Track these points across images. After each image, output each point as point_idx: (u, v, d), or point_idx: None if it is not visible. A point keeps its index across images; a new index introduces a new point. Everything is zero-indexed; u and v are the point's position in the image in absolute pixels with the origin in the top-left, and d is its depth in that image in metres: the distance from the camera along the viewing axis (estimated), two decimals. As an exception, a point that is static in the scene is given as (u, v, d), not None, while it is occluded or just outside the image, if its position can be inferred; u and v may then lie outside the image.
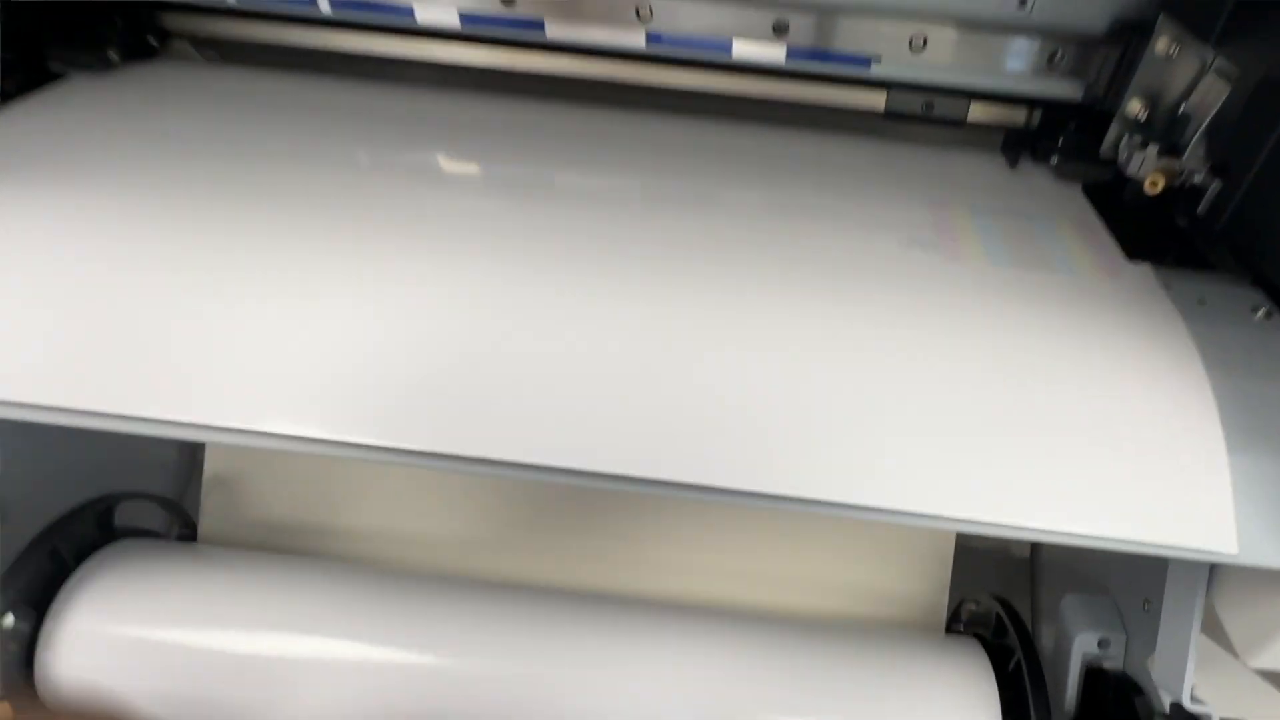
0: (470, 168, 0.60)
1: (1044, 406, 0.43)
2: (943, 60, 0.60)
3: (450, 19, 0.62)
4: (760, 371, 0.43)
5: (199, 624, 0.54)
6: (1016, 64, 0.60)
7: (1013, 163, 0.64)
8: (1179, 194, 0.55)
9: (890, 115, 0.66)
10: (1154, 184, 0.54)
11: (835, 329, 0.45)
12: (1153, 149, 0.55)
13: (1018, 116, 0.66)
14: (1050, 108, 0.64)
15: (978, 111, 0.65)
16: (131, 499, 0.62)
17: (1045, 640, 0.63)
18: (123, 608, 0.54)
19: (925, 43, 0.59)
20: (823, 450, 0.41)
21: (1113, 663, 0.55)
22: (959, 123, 0.66)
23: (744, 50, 0.61)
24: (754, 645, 0.55)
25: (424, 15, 0.62)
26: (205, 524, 0.67)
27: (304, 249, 0.47)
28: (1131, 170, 0.57)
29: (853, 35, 0.60)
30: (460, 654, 0.54)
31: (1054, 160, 0.63)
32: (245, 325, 0.43)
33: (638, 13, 0.60)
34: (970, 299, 0.48)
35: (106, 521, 0.59)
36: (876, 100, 0.66)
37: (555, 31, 0.62)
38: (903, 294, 0.48)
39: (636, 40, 0.62)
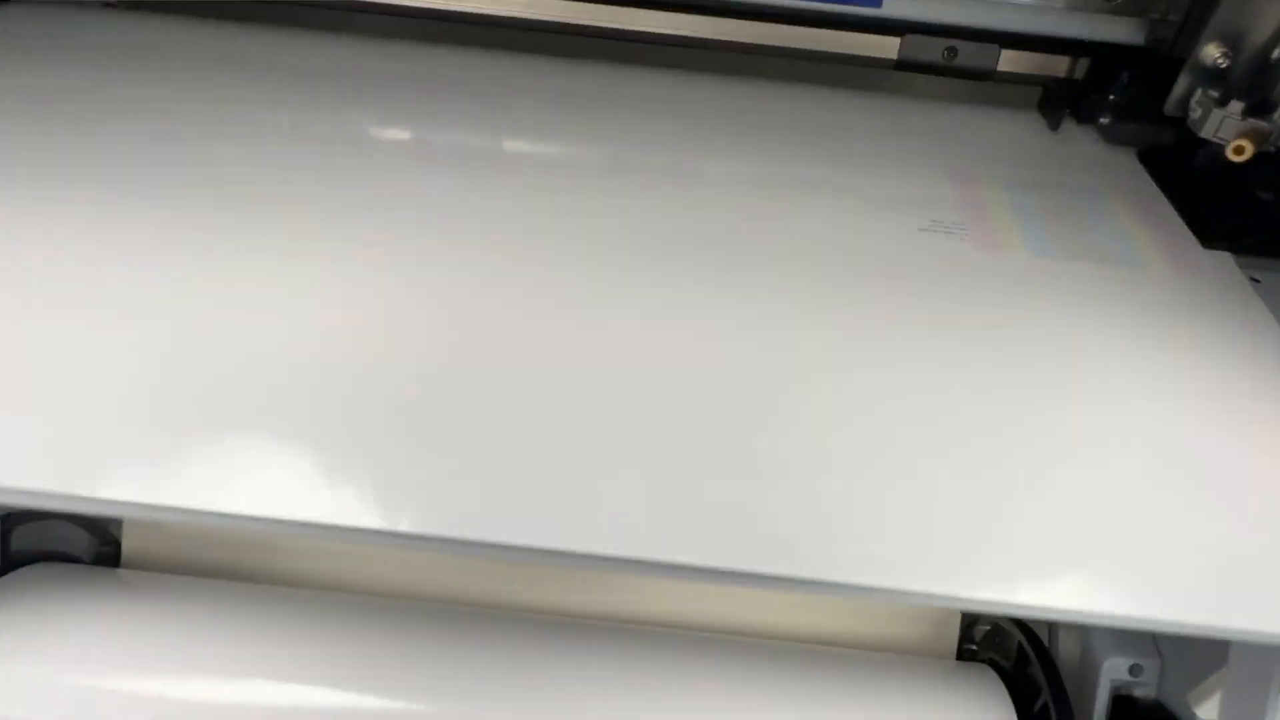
0: (404, 145, 0.48)
1: (1103, 458, 0.33)
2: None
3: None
4: (750, 427, 0.33)
5: (118, 663, 0.45)
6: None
7: (1054, 124, 0.53)
8: (1266, 161, 0.44)
9: (904, 65, 0.54)
10: (1239, 151, 0.43)
11: (838, 359, 0.35)
12: (1235, 106, 0.44)
13: (1058, 66, 0.54)
14: (1098, 55, 0.53)
15: (1010, 61, 0.54)
16: (37, 518, 0.52)
17: (1064, 655, 0.54)
18: (24, 644, 0.45)
19: (950, -29, 0.48)
20: (823, 525, 0.30)
21: (1145, 690, 0.47)
22: (988, 74, 0.54)
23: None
24: (749, 672, 0.47)
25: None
26: (130, 544, 0.57)
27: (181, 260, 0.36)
28: (1206, 132, 0.46)
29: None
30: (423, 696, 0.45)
31: (1104, 119, 0.52)
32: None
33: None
34: (1009, 306, 0.38)
35: (2, 545, 0.50)
36: (888, 47, 0.54)
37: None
38: (925, 300, 0.38)
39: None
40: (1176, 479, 0.32)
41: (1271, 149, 0.44)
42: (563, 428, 0.32)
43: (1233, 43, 0.46)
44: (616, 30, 0.55)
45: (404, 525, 0.29)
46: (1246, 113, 0.44)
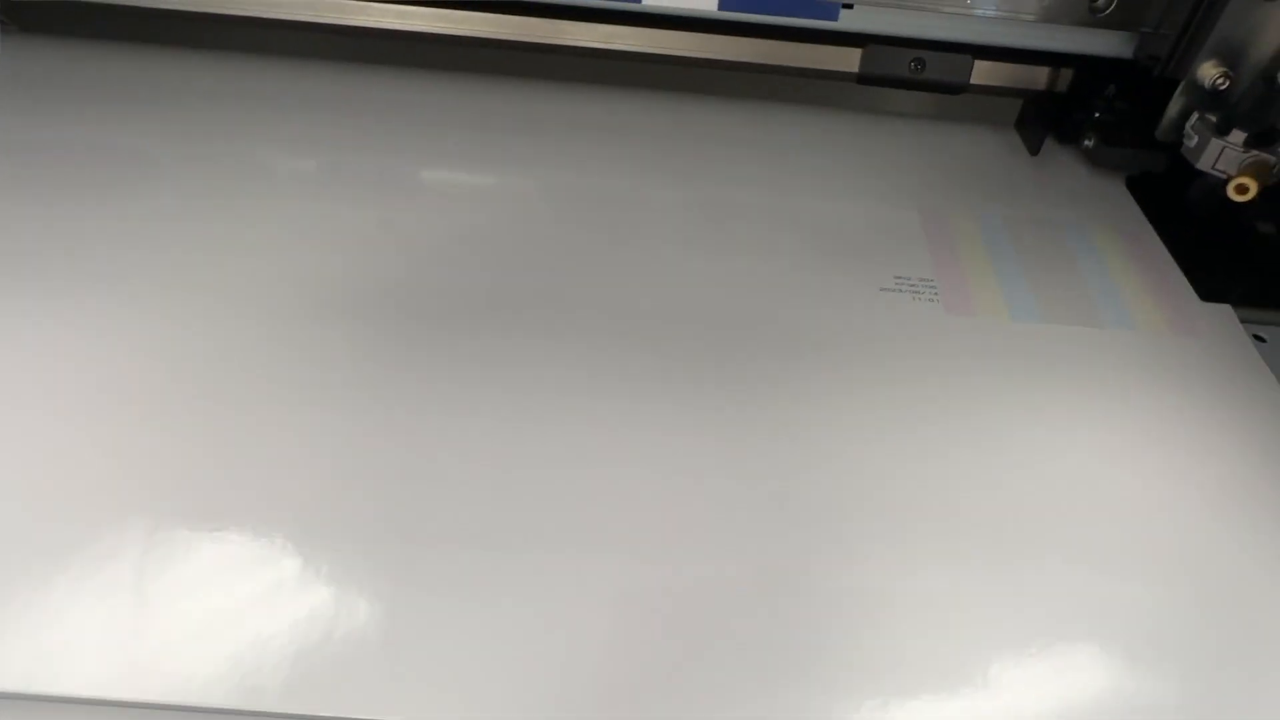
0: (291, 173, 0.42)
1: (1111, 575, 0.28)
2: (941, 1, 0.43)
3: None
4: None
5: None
6: (1050, 9, 0.42)
7: (1033, 147, 0.47)
8: (1264, 191, 0.39)
9: (867, 79, 0.48)
10: (1242, 190, 0.38)
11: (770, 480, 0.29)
12: (1237, 135, 0.39)
13: (1038, 78, 0.49)
14: (1082, 67, 0.47)
15: (985, 73, 0.48)
16: None
17: None
18: None
19: (916, -19, 0.42)
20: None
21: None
22: (960, 87, 0.48)
23: (660, -5, 0.43)
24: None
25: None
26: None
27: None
28: (1204, 163, 0.40)
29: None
30: None
31: (1088, 142, 0.46)
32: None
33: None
34: (987, 391, 0.33)
35: None
36: (850, 60, 0.48)
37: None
38: (886, 385, 0.32)
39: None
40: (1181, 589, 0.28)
41: (1274, 182, 0.39)
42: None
43: (1234, 62, 0.41)
44: (547, 45, 0.48)
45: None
46: (1249, 143, 0.39)
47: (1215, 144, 0.40)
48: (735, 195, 0.42)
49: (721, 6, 0.44)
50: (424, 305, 0.34)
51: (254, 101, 0.45)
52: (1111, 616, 0.27)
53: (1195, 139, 0.41)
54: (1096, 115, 0.47)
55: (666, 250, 0.38)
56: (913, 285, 0.37)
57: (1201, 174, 0.41)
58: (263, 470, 0.28)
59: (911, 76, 0.49)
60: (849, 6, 0.44)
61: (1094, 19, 0.42)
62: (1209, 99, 0.42)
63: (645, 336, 0.33)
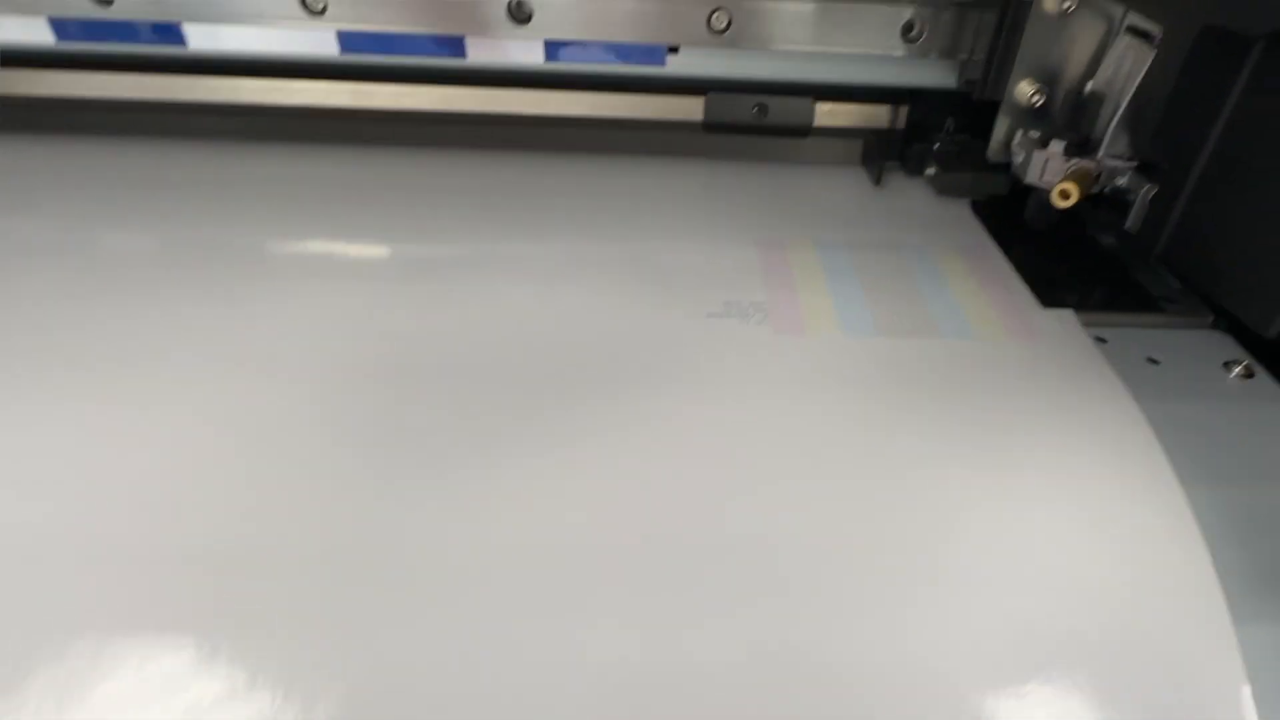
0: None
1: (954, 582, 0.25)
2: (761, 42, 0.43)
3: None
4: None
5: None
6: (863, 43, 0.43)
7: (875, 178, 0.48)
8: (1099, 203, 0.39)
9: (713, 127, 0.49)
10: (1064, 195, 0.37)
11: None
12: (1056, 146, 0.39)
13: (881, 117, 0.49)
14: (917, 102, 0.48)
15: (827, 114, 0.49)
16: None
17: None
18: None
19: (729, 23, 0.42)
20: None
21: None
22: (804, 130, 0.49)
23: (482, 51, 0.43)
24: None
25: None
26: None
27: None
28: (1031, 176, 0.41)
29: (633, 15, 0.42)
30: None
31: (930, 170, 0.47)
32: None
33: (305, 4, 0.41)
34: (808, 409, 0.31)
35: None
36: (695, 109, 0.49)
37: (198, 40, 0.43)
38: (701, 403, 0.30)
39: (328, 45, 0.43)
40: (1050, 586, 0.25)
41: (1103, 190, 0.39)
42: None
43: (1046, 79, 0.41)
44: (387, 111, 0.48)
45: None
46: (1069, 151, 0.39)
47: (1038, 156, 0.40)
48: (577, 246, 0.40)
49: (548, 58, 0.44)
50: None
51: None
52: (971, 630, 0.24)
53: (1021, 154, 0.42)
54: (936, 146, 0.47)
55: (513, 296, 0.36)
56: (741, 309, 0.35)
57: (1035, 190, 0.42)
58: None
59: (755, 122, 0.49)
60: (674, 51, 0.44)
61: (910, 49, 0.43)
62: (1030, 116, 0.43)
63: (484, 377, 0.31)
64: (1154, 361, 0.35)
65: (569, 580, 0.25)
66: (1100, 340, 0.36)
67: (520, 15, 0.41)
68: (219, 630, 0.23)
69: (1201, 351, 0.36)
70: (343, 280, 0.37)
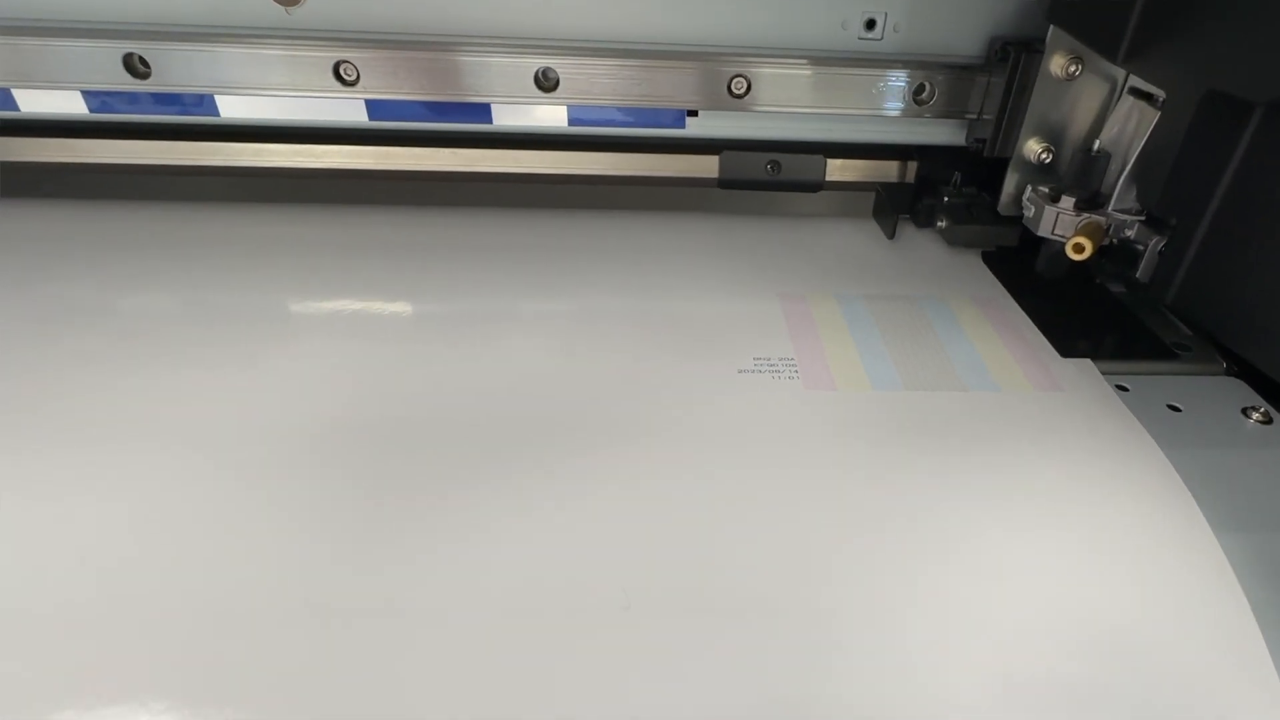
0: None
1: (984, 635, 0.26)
2: (778, 105, 0.45)
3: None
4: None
5: None
6: (876, 105, 0.45)
7: (889, 231, 0.49)
8: (1107, 252, 0.41)
9: (728, 183, 0.50)
10: (1079, 249, 0.39)
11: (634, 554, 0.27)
12: (1067, 201, 0.41)
13: (888, 171, 0.51)
14: (927, 157, 0.50)
15: (838, 169, 0.50)
16: None
17: None
18: None
19: (748, 87, 0.44)
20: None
21: None
22: (816, 185, 0.50)
23: (507, 117, 0.45)
24: None
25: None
26: None
27: None
28: (1043, 230, 0.42)
29: (657, 83, 0.44)
30: None
31: (942, 223, 0.48)
32: None
33: (339, 75, 0.42)
34: (850, 468, 0.31)
35: None
36: (709, 166, 0.50)
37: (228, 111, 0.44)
38: (742, 465, 0.31)
39: (357, 113, 0.44)
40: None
41: (1113, 241, 0.40)
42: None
43: (1053, 137, 0.43)
44: (411, 172, 0.49)
45: None
46: (1079, 206, 0.41)
47: (1050, 211, 0.42)
48: (601, 302, 0.41)
49: (571, 122, 0.45)
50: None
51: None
52: (1002, 673, 0.25)
53: (1033, 209, 0.43)
54: (946, 199, 0.49)
55: (538, 358, 0.37)
56: (772, 365, 0.36)
57: (1046, 241, 0.43)
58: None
59: (769, 178, 0.51)
60: (694, 114, 0.46)
61: (921, 110, 0.45)
62: (1038, 172, 0.44)
63: (518, 440, 0.32)
64: (1175, 409, 0.36)
65: (613, 641, 0.25)
66: (1121, 389, 0.37)
67: (547, 84, 0.43)
68: (200, 690, 0.23)
69: (1220, 397, 0.37)
70: (370, 341, 0.38)
